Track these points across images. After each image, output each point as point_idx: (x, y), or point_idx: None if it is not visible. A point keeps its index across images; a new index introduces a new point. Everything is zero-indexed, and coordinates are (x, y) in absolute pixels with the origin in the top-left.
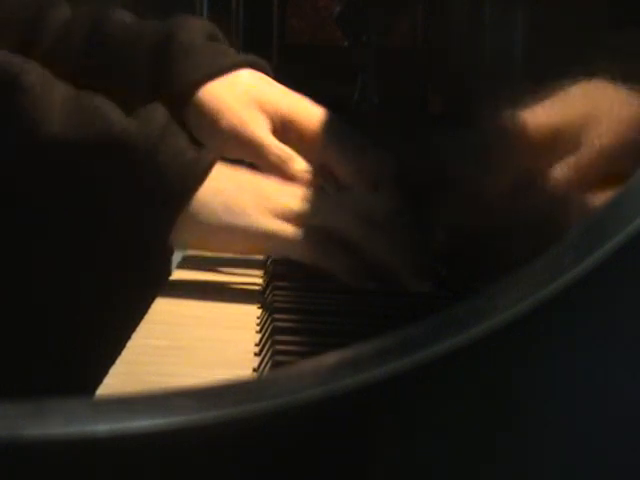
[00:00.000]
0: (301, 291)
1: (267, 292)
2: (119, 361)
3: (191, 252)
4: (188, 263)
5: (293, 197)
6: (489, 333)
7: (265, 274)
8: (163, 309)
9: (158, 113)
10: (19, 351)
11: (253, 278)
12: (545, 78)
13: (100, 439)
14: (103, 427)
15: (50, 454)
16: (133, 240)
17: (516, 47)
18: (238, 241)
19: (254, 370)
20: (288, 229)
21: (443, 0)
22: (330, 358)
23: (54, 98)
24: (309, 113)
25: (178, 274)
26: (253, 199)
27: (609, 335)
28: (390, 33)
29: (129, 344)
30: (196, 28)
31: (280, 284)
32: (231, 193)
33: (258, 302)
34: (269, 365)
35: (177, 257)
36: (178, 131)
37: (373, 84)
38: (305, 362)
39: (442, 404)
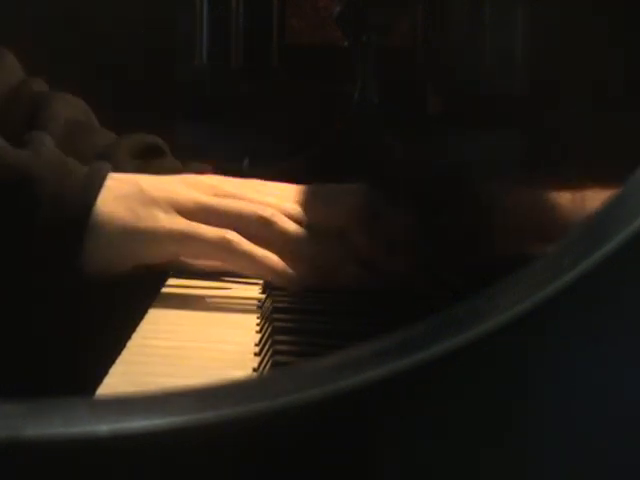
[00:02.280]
0: (301, 291)
1: (266, 292)
2: (119, 361)
3: None
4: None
5: (202, 193)
6: (489, 333)
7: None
8: (162, 309)
9: (46, 140)
10: (19, 351)
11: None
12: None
13: (100, 439)
14: (103, 427)
15: (50, 454)
16: (47, 267)
17: (516, 47)
18: (147, 246)
19: (254, 370)
20: (200, 228)
21: (443, 0)
22: (330, 358)
23: None
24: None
25: (173, 282)
26: (157, 202)
27: (609, 335)
28: (390, 33)
29: (129, 344)
30: (127, 151)
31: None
32: (134, 198)
33: (258, 302)
34: (269, 365)
35: None
36: (65, 156)
37: (373, 84)
38: (305, 362)
39: (442, 404)
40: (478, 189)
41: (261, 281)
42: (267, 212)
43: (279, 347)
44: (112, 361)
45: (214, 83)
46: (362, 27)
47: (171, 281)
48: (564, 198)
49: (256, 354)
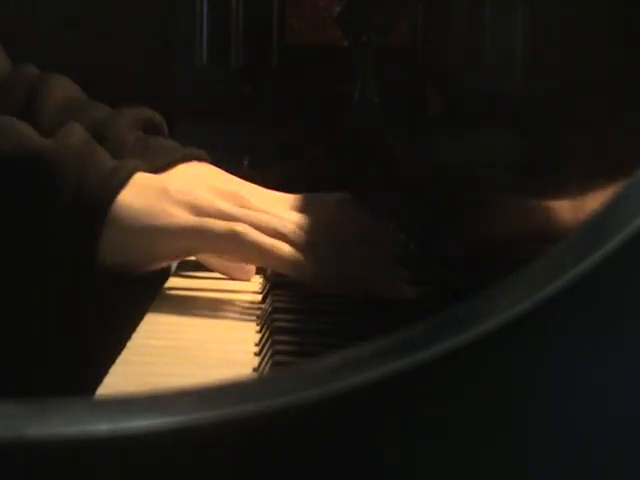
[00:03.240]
0: (301, 291)
1: (266, 293)
2: (119, 361)
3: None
4: (184, 269)
5: (227, 202)
6: (489, 333)
7: (264, 277)
8: (162, 309)
9: (76, 130)
10: (19, 351)
11: (251, 283)
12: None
13: (100, 439)
14: (103, 427)
15: (50, 454)
16: (63, 256)
17: (516, 47)
18: (162, 242)
19: (254, 370)
20: (209, 222)
21: (443, 0)
22: (330, 358)
23: None
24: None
25: (174, 282)
26: (175, 199)
27: (609, 335)
28: (390, 33)
29: (129, 344)
30: (127, 122)
31: (280, 284)
32: (154, 196)
33: (258, 302)
34: (269, 365)
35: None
36: (98, 147)
37: (373, 84)
38: (305, 362)
39: (442, 404)
40: (478, 189)
41: (261, 281)
42: (286, 229)
43: (279, 347)
44: (112, 361)
45: (214, 83)
46: (362, 27)
47: (171, 281)
48: (564, 198)
49: (256, 354)
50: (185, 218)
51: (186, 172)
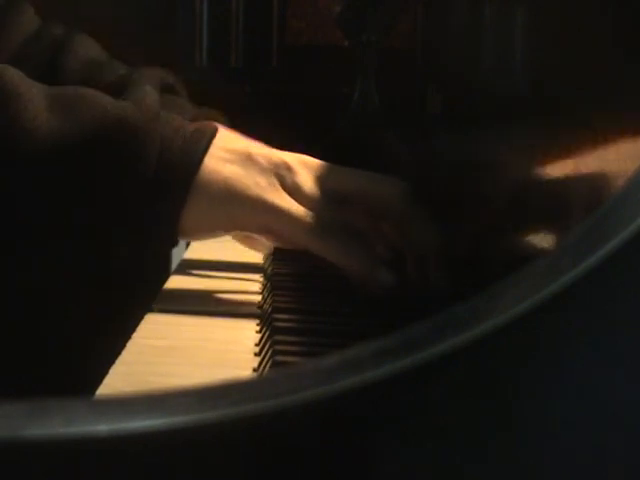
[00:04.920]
0: (301, 291)
1: (266, 292)
2: (119, 361)
3: (188, 256)
4: (185, 268)
5: (305, 177)
6: (489, 333)
7: (264, 277)
8: (162, 309)
9: (149, 92)
10: (19, 351)
11: (251, 282)
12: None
13: (100, 439)
14: (103, 427)
15: (50, 454)
16: (145, 225)
17: (516, 47)
18: (247, 216)
19: (254, 370)
20: (297, 212)
21: (443, 0)
22: (330, 358)
23: (34, 93)
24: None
25: (174, 281)
26: (263, 171)
27: (609, 335)
28: (390, 33)
29: (129, 344)
30: (147, 81)
31: (280, 284)
32: (240, 161)
33: (258, 302)
34: (269, 365)
35: (175, 260)
36: (172, 107)
37: (373, 84)
38: (305, 362)
39: (442, 404)
40: (478, 189)
41: (261, 281)
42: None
43: (279, 347)
44: (112, 361)
45: (214, 83)
46: (362, 27)
47: (171, 281)
48: (565, 198)
49: (256, 354)
50: (273, 194)
51: None
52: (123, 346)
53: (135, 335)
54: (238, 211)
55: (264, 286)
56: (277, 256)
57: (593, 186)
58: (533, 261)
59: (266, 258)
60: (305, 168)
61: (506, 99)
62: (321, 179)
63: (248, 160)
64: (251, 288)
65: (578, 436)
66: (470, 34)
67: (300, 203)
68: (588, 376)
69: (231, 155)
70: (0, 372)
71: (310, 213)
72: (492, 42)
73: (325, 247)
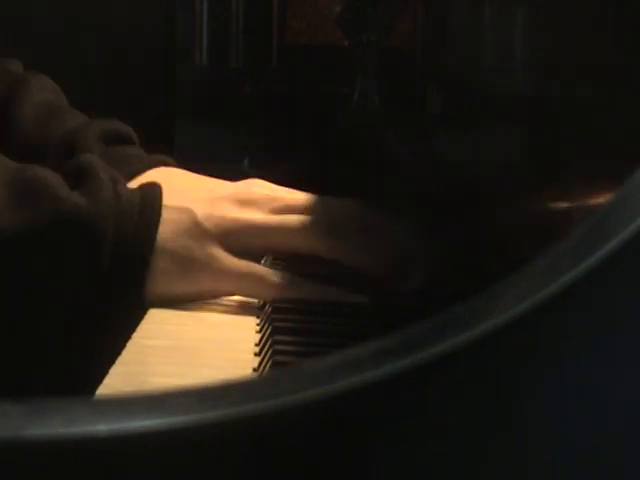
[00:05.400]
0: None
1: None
2: (119, 361)
3: None
4: None
5: (257, 209)
6: (489, 333)
7: None
8: (162, 309)
9: (105, 182)
10: (19, 351)
11: None
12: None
13: (100, 439)
14: (103, 427)
15: (50, 454)
16: (112, 305)
17: (516, 47)
18: (207, 285)
19: (254, 370)
20: (256, 268)
21: (443, 0)
22: (330, 358)
23: None
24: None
25: None
26: (210, 235)
27: (609, 335)
28: (390, 33)
29: (129, 344)
30: (95, 134)
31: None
32: (191, 233)
33: (258, 302)
34: (269, 365)
35: None
36: (123, 158)
37: (373, 84)
38: (305, 362)
39: (442, 404)
40: (478, 189)
41: None
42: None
43: (279, 347)
44: (112, 361)
45: (214, 83)
46: (362, 27)
47: None
48: (565, 198)
49: (256, 354)
50: (229, 261)
51: (155, 179)
52: (123, 346)
53: (135, 335)
54: (198, 284)
55: None
56: (277, 256)
57: (593, 185)
58: (533, 261)
59: (265, 258)
60: (239, 205)
61: (506, 99)
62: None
63: (196, 228)
64: None
65: (578, 436)
66: (470, 34)
67: (252, 241)
68: (588, 376)
69: (179, 226)
70: (0, 372)
71: (269, 271)
72: (492, 42)
73: (334, 247)
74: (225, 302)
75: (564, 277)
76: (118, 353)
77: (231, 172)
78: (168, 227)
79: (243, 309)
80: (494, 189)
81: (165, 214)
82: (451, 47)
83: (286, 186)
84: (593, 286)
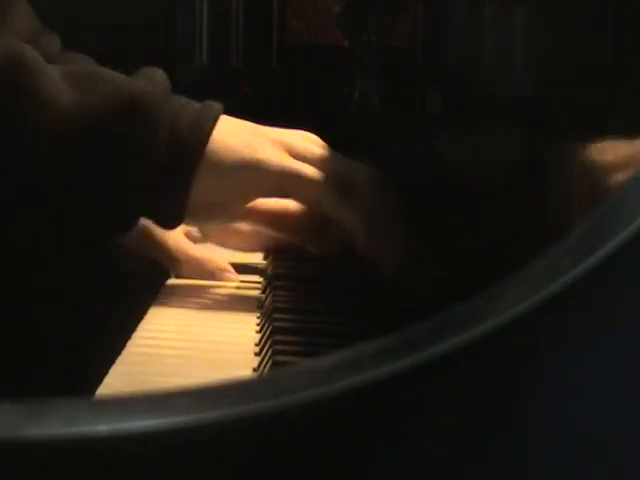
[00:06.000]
0: (301, 291)
1: (267, 292)
2: (119, 361)
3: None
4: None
5: (309, 142)
6: (489, 333)
7: (264, 277)
8: (162, 309)
9: (158, 72)
10: (19, 351)
11: (252, 283)
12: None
13: (100, 439)
14: (103, 427)
15: (50, 454)
16: (159, 193)
17: (516, 47)
18: (260, 179)
19: (254, 370)
20: (309, 169)
21: (443, 0)
22: (330, 358)
23: (53, 70)
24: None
25: (174, 282)
26: (270, 140)
27: (609, 335)
28: (390, 33)
29: (129, 344)
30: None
31: (280, 284)
32: (247, 133)
33: (258, 302)
34: (269, 365)
35: None
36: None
37: (373, 84)
38: (305, 362)
39: (442, 404)
40: (478, 189)
41: (261, 280)
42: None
43: (279, 347)
44: (112, 361)
45: (214, 83)
46: (362, 27)
47: (171, 281)
48: (564, 198)
49: (256, 354)
50: (284, 158)
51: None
52: (123, 346)
53: (135, 335)
54: (249, 176)
55: (264, 286)
56: (277, 256)
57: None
58: (533, 261)
59: (266, 259)
60: (309, 141)
61: (506, 99)
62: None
63: (255, 131)
64: (251, 287)
65: (578, 436)
66: (470, 34)
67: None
68: (588, 376)
69: (238, 128)
70: (0, 372)
71: (321, 173)
72: (492, 42)
73: (339, 205)
74: (225, 302)
75: (564, 277)
76: (118, 353)
77: None
78: (226, 125)
79: (243, 309)
80: (494, 189)
81: (222, 119)
82: (451, 47)
83: None
84: (593, 286)
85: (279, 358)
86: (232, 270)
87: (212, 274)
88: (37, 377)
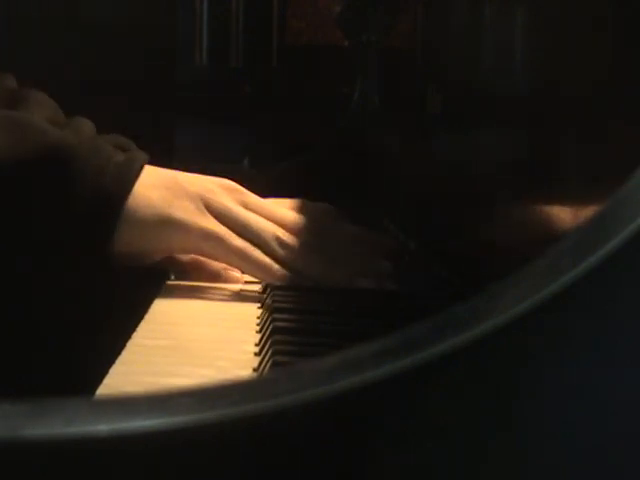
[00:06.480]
0: (301, 291)
1: (266, 292)
2: (119, 361)
3: None
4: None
5: (232, 198)
6: (489, 333)
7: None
8: (162, 309)
9: (85, 124)
10: (19, 351)
11: (251, 283)
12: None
13: (100, 439)
14: (103, 427)
15: (50, 454)
16: (79, 247)
17: (516, 47)
18: (177, 238)
19: (254, 370)
20: (221, 230)
21: (443, 0)
22: (330, 358)
23: None
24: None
25: (173, 282)
26: (188, 196)
27: (609, 335)
28: (390, 33)
29: (129, 344)
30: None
31: (280, 284)
32: (167, 188)
33: (258, 302)
34: (269, 365)
35: None
36: (104, 141)
37: (373, 84)
38: (305, 362)
39: (442, 404)
40: (478, 189)
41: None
42: (280, 233)
43: (279, 347)
44: (112, 361)
45: (214, 83)
46: (362, 27)
47: (171, 281)
48: (564, 198)
49: (256, 354)
50: (204, 218)
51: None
52: (123, 346)
53: (135, 335)
54: (168, 234)
55: (264, 286)
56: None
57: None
58: (533, 261)
59: None
60: (228, 192)
61: (506, 99)
62: (245, 204)
63: (176, 185)
64: (251, 287)
65: (578, 436)
66: (470, 34)
67: (226, 225)
68: (588, 376)
69: (160, 180)
70: (0, 372)
71: (234, 235)
72: (492, 42)
73: (251, 266)
74: (225, 302)
75: (564, 277)
76: (118, 353)
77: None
78: (148, 180)
79: (243, 308)
80: (493, 189)
81: (146, 171)
82: (451, 47)
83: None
84: (593, 286)
85: (279, 358)
86: (237, 270)
87: (218, 273)
88: (37, 377)
